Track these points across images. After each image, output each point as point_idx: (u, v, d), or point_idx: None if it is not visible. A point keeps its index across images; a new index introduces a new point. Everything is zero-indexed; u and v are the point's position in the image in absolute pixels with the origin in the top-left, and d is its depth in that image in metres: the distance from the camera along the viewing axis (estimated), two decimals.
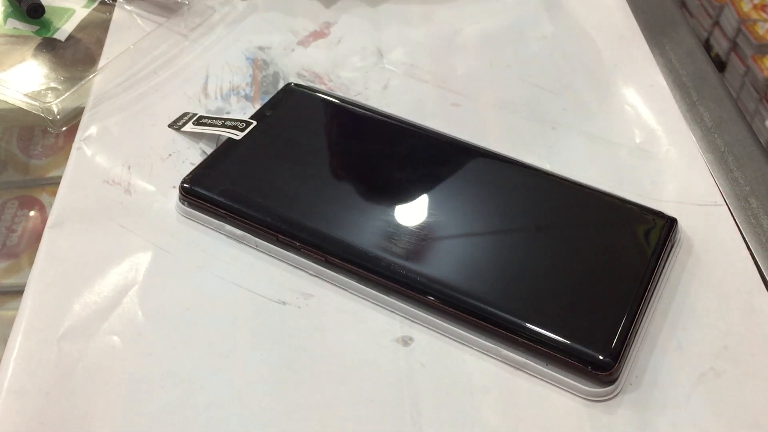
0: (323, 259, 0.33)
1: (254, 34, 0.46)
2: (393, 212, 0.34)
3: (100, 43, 0.47)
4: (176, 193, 0.37)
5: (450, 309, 0.31)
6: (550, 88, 0.42)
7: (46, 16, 0.49)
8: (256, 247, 0.35)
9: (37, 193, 0.43)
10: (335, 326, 0.32)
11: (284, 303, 0.33)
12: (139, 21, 0.48)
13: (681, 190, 0.36)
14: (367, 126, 0.39)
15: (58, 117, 0.42)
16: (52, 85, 0.45)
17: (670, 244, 0.33)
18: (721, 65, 1.24)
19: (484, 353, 0.31)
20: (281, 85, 0.42)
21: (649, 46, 0.44)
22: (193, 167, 0.37)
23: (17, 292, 0.37)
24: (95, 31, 0.49)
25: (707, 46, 1.28)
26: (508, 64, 0.44)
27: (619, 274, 0.31)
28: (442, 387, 0.30)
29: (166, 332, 0.32)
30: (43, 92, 0.44)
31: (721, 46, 1.26)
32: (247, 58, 0.45)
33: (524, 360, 0.30)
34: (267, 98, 0.41)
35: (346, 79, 0.43)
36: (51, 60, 0.47)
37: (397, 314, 0.32)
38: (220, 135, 0.38)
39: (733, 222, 0.35)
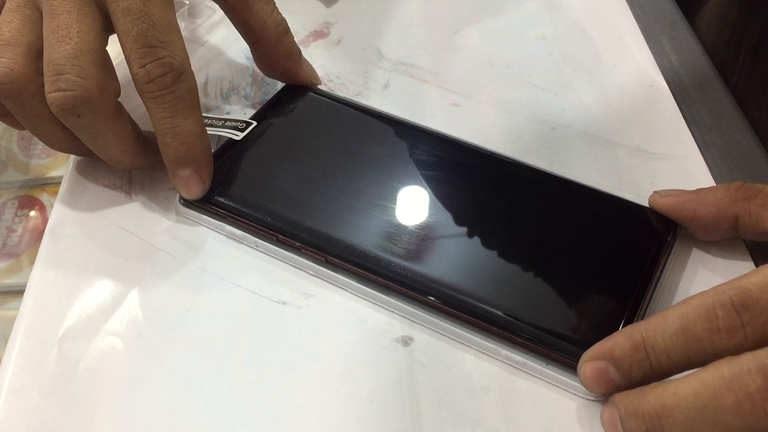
0: (323, 259, 0.33)
1: None
2: (393, 212, 0.34)
3: None
4: (176, 194, 0.37)
5: (450, 309, 0.31)
6: (550, 88, 0.42)
7: None
8: (256, 248, 0.35)
9: (37, 193, 0.43)
10: (335, 326, 0.32)
11: (284, 303, 0.33)
12: None
13: None
14: (367, 126, 0.39)
15: None
16: None
17: (669, 245, 0.33)
18: None
19: (484, 353, 0.31)
20: (281, 85, 0.42)
21: (649, 46, 0.44)
22: None
23: (18, 292, 0.37)
24: None
25: None
26: (508, 64, 0.44)
27: (618, 274, 0.31)
28: (442, 387, 0.30)
29: (166, 333, 0.32)
30: None
31: None
32: (247, 58, 0.45)
33: (524, 360, 0.30)
34: (267, 98, 0.41)
35: (346, 79, 0.43)
36: None
37: (397, 314, 0.32)
38: (220, 135, 0.38)
39: None
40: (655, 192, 0.34)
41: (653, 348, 0.26)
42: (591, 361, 0.28)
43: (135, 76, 0.33)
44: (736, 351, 0.25)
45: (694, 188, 0.33)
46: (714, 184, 0.36)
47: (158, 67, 0.33)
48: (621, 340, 0.27)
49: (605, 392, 0.28)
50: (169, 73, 0.33)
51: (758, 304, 0.25)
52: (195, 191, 0.35)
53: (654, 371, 0.26)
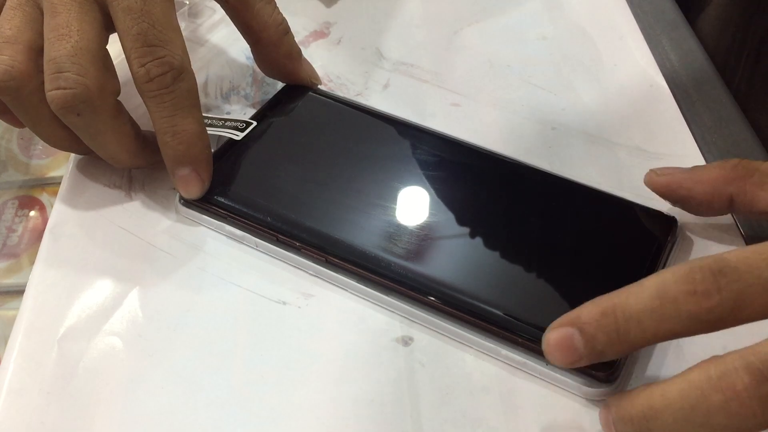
0: (323, 259, 0.33)
1: None
2: (393, 212, 0.34)
3: None
4: (176, 193, 0.37)
5: (450, 309, 0.31)
6: (550, 88, 0.42)
7: None
8: (256, 248, 0.35)
9: (37, 193, 0.43)
10: (335, 326, 0.32)
11: (284, 303, 0.33)
12: None
13: None
14: (367, 126, 0.39)
15: None
16: None
17: (669, 244, 0.33)
18: None
19: (484, 353, 0.31)
20: (281, 85, 0.42)
21: (649, 46, 0.44)
22: None
23: (17, 292, 0.37)
24: None
25: None
26: (508, 64, 0.44)
27: (618, 274, 0.31)
28: (442, 387, 0.30)
29: (166, 333, 0.32)
30: None
31: None
32: (248, 58, 0.45)
33: (524, 360, 0.30)
34: (267, 98, 0.41)
35: (346, 79, 0.43)
36: None
37: (397, 314, 0.32)
38: (220, 135, 0.38)
39: (733, 221, 0.35)
40: (651, 170, 0.34)
41: (623, 312, 0.25)
42: (556, 328, 0.27)
43: (135, 75, 0.33)
44: (710, 316, 0.24)
45: None
46: None
47: (158, 66, 0.33)
48: (589, 306, 0.27)
49: (569, 363, 0.27)
50: (169, 73, 0.33)
51: (735, 272, 0.25)
52: (194, 191, 0.35)
53: (620, 338, 0.26)
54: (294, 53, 0.40)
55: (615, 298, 0.26)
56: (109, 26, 0.34)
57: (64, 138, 0.36)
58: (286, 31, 0.39)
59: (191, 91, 0.34)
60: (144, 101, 0.34)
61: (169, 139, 0.34)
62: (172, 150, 0.34)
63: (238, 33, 0.40)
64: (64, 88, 0.32)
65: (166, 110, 0.34)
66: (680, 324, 0.25)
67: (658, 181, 0.33)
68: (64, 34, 0.33)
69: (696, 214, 0.34)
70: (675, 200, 0.33)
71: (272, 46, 0.39)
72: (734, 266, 0.25)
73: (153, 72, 0.33)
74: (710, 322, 0.25)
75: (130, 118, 0.36)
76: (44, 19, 0.34)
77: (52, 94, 0.33)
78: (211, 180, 0.36)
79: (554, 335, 0.27)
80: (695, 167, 0.33)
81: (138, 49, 0.33)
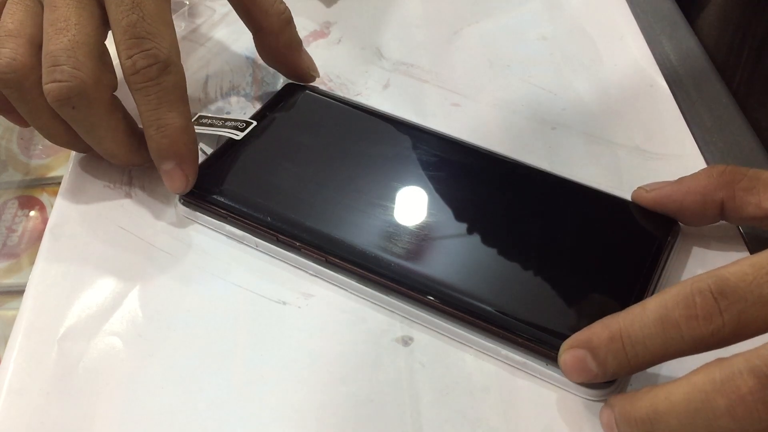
0: (323, 259, 0.33)
1: None
2: (393, 212, 0.34)
3: None
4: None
5: (450, 309, 0.31)
6: (550, 88, 0.42)
7: None
8: (256, 248, 0.35)
9: (37, 193, 0.43)
10: (335, 326, 0.32)
11: (284, 303, 0.33)
12: None
13: None
14: (367, 126, 0.39)
15: None
16: None
17: (669, 245, 0.33)
18: None
19: (484, 353, 0.31)
20: (281, 85, 0.42)
21: (649, 46, 0.44)
22: None
23: (17, 292, 0.37)
24: None
25: None
26: (508, 64, 0.44)
27: (619, 274, 0.31)
28: (442, 387, 0.30)
29: (166, 333, 0.32)
30: None
31: None
32: (247, 58, 0.45)
33: (524, 360, 0.30)
34: (267, 98, 0.41)
35: (346, 79, 0.43)
36: None
37: (397, 314, 0.32)
38: (220, 135, 0.38)
39: None
40: (639, 187, 0.34)
41: (630, 337, 0.26)
42: (570, 349, 0.28)
43: (122, 67, 0.34)
44: (713, 338, 0.25)
45: None
46: None
47: (144, 58, 0.33)
48: (598, 330, 0.27)
49: (585, 381, 0.28)
50: (155, 65, 0.33)
51: (736, 292, 0.25)
52: (178, 186, 0.35)
53: (629, 362, 0.26)
54: (294, 43, 0.40)
55: (621, 321, 0.27)
56: (107, 21, 0.34)
57: (63, 132, 0.36)
58: (289, 21, 0.39)
59: (177, 85, 0.34)
60: (132, 94, 0.34)
61: (153, 133, 0.34)
62: (155, 143, 0.35)
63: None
64: (60, 81, 0.33)
65: (151, 103, 0.34)
66: (686, 346, 0.25)
67: (647, 198, 0.33)
68: (62, 28, 0.33)
69: (689, 225, 0.34)
70: (667, 213, 0.33)
71: (273, 35, 0.39)
72: (734, 286, 0.25)
73: (139, 64, 0.33)
74: (715, 342, 0.25)
75: (127, 114, 0.36)
76: (44, 14, 0.34)
77: (48, 86, 0.33)
78: (196, 176, 0.36)
79: (568, 356, 0.28)
80: (682, 178, 0.33)
81: (126, 41, 0.33)
